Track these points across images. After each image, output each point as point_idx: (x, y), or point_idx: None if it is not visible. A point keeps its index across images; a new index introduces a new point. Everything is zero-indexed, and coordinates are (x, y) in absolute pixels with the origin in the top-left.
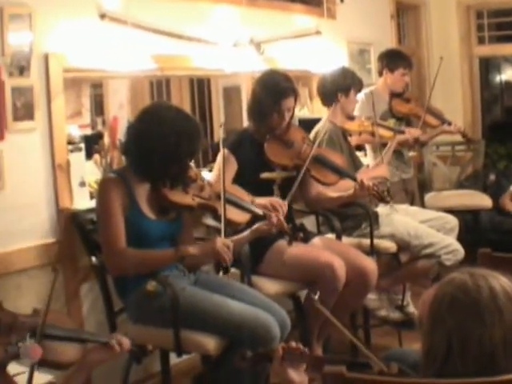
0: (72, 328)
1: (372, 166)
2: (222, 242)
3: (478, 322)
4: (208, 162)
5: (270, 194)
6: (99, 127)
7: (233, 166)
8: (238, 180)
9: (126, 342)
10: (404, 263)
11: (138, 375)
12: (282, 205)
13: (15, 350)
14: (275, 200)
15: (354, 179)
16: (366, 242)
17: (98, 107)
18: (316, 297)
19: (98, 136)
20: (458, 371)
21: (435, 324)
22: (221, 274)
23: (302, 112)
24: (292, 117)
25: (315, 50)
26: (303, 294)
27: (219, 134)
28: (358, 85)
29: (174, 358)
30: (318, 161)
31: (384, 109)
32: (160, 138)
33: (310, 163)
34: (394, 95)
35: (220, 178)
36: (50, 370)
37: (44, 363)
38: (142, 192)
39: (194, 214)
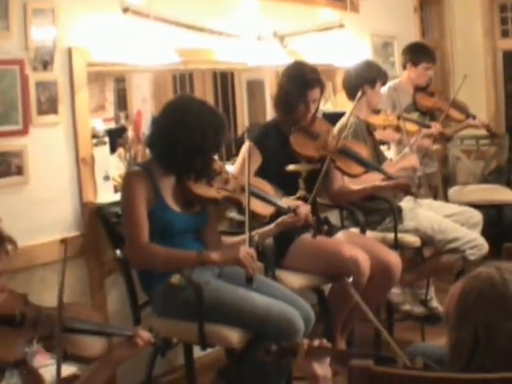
0: (96, 321)
1: (398, 159)
2: (245, 252)
3: (505, 315)
4: (231, 155)
5: (295, 187)
6: (122, 121)
7: (257, 159)
8: (263, 173)
9: (147, 336)
10: (428, 258)
11: (161, 368)
12: (305, 210)
13: (41, 344)
14: (300, 205)
15: (382, 171)
16: (390, 236)
17: (122, 101)
18: (349, 280)
19: (122, 130)
20: (485, 366)
21: (462, 318)
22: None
23: (325, 106)
24: (318, 109)
25: (338, 44)
26: (327, 287)
27: (244, 135)
28: (384, 77)
29: (197, 352)
30: (344, 152)
31: (408, 102)
32: (185, 130)
33: (335, 155)
34: (418, 89)
35: (244, 171)
36: (75, 363)
37: (68, 357)
38: (167, 185)
39: (219, 207)
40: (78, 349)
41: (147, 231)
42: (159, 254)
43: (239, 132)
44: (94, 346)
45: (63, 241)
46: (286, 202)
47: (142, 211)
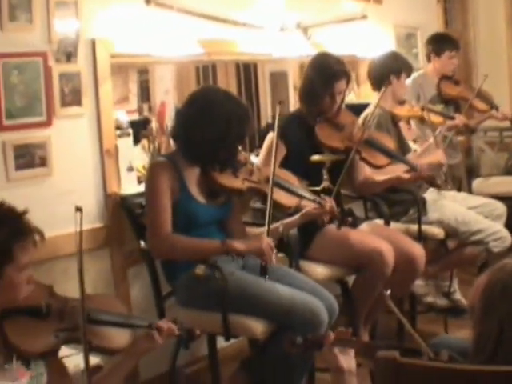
0: (122, 313)
1: (422, 150)
2: (267, 243)
3: None
4: (255, 147)
5: (318, 178)
6: (145, 113)
7: (280, 151)
8: (287, 164)
9: (169, 328)
10: (451, 250)
11: (185, 359)
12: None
13: (66, 336)
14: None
15: (406, 162)
16: (414, 228)
17: (145, 93)
18: (388, 293)
19: (145, 121)
20: (509, 358)
21: (487, 310)
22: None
23: (349, 97)
24: (343, 100)
25: (362, 35)
26: (351, 279)
27: (268, 115)
28: (409, 69)
29: (220, 342)
30: (369, 143)
31: (432, 94)
32: (210, 121)
33: (360, 146)
34: (443, 78)
35: (268, 162)
36: (100, 354)
37: (93, 349)
38: (192, 176)
39: (243, 197)
40: (104, 340)
41: (170, 222)
42: (182, 243)
43: (263, 123)
44: (119, 337)
45: (78, 208)
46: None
47: (165, 202)
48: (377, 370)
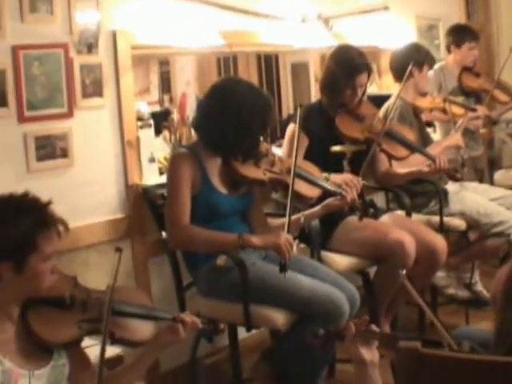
0: (145, 305)
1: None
2: (285, 239)
3: None
4: (276, 138)
5: (339, 169)
6: (166, 104)
7: (303, 141)
8: (309, 155)
9: (192, 321)
10: (473, 241)
11: (205, 350)
12: (358, 182)
13: (89, 327)
14: (350, 177)
15: (426, 155)
16: (435, 219)
17: (165, 84)
18: (403, 272)
19: (166, 113)
20: None
21: (508, 302)
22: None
23: (370, 88)
24: (365, 92)
25: (383, 26)
26: (372, 270)
27: (289, 107)
28: (431, 60)
29: (241, 333)
30: (389, 135)
31: (453, 86)
32: (232, 111)
33: (381, 137)
34: (464, 69)
35: (291, 153)
36: (122, 346)
37: (115, 341)
38: (214, 167)
39: (265, 188)
40: (127, 333)
41: (188, 213)
42: (199, 235)
43: (284, 115)
44: (142, 330)
45: (118, 249)
46: (335, 180)
47: (185, 193)
48: (398, 360)
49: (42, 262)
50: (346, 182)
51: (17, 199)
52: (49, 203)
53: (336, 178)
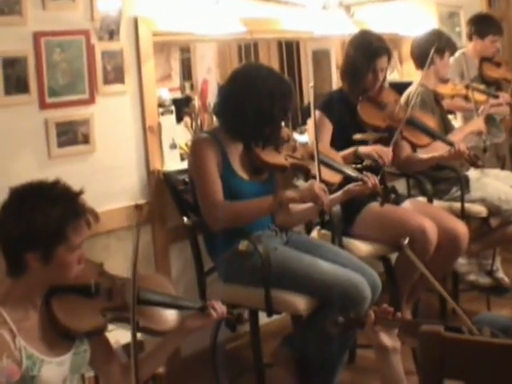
0: (171, 294)
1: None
2: (319, 186)
3: None
4: (298, 124)
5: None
6: (187, 91)
7: (328, 128)
8: (331, 141)
9: (222, 309)
10: (494, 228)
11: (226, 335)
12: (387, 152)
13: (113, 315)
14: (380, 148)
15: (448, 143)
16: (457, 205)
17: (186, 71)
18: (405, 242)
19: (187, 99)
20: None
21: None
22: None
23: (391, 76)
24: (385, 78)
25: (404, 13)
26: (394, 256)
27: (309, 94)
28: (453, 47)
29: (262, 319)
30: (411, 122)
31: (474, 74)
32: (253, 97)
33: (402, 125)
34: (484, 59)
35: (316, 139)
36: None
37: (139, 329)
38: (235, 152)
39: (286, 174)
40: (151, 322)
41: (221, 191)
42: (237, 208)
43: (305, 101)
44: (166, 319)
45: (138, 207)
46: (364, 150)
47: (214, 173)
48: (421, 344)
49: (69, 252)
50: (376, 151)
51: (48, 188)
52: (80, 193)
53: (365, 148)
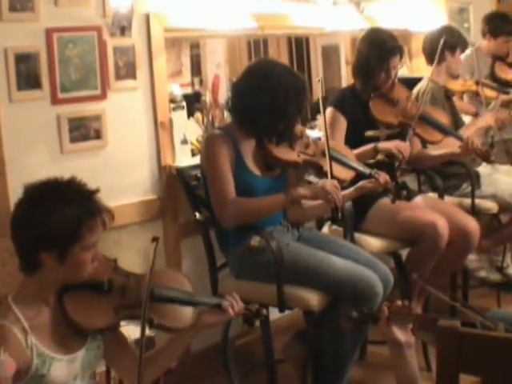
0: (187, 290)
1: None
2: (331, 183)
3: None
4: (307, 120)
5: None
6: (196, 87)
7: (343, 125)
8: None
9: (240, 305)
10: (505, 224)
11: (237, 330)
12: (406, 147)
13: (127, 312)
14: (399, 143)
15: (460, 138)
16: (467, 201)
17: (196, 67)
18: (416, 276)
19: (198, 95)
20: None
21: None
22: (326, 229)
23: (401, 71)
24: (396, 75)
25: (414, 9)
26: (405, 252)
27: (318, 89)
28: (464, 44)
29: (273, 314)
30: (423, 119)
31: (485, 72)
32: (267, 93)
33: (415, 122)
34: (497, 58)
35: (331, 136)
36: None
37: (154, 326)
38: (248, 148)
39: (298, 171)
40: (166, 319)
41: (233, 188)
42: (249, 204)
43: (315, 97)
44: (181, 316)
45: (155, 238)
46: (384, 145)
47: (227, 169)
48: (438, 338)
49: (84, 251)
50: (396, 146)
51: (63, 187)
52: (95, 191)
53: (385, 144)
